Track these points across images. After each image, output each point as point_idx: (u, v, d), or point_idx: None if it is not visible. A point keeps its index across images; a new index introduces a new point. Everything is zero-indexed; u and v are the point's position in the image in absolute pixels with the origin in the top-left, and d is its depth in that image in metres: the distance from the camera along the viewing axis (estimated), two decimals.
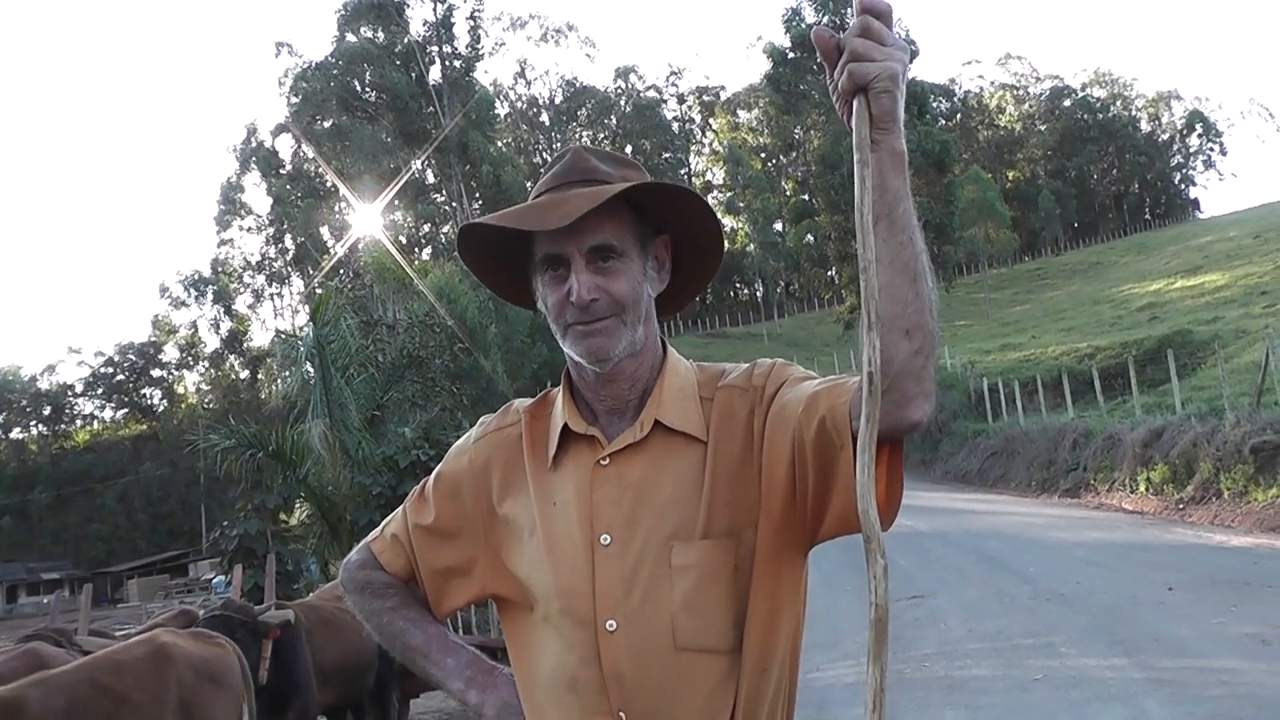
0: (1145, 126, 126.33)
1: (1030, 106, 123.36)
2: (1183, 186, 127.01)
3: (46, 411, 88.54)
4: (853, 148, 1.45)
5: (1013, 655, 9.40)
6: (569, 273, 1.78)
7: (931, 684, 8.75)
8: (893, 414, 1.47)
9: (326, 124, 78.86)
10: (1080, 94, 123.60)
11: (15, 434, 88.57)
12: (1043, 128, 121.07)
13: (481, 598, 1.98)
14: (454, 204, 76.60)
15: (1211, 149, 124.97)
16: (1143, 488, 21.19)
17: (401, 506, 2.06)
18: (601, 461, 1.81)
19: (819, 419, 1.61)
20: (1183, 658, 8.45)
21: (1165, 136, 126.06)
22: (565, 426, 1.86)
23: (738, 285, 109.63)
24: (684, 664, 1.72)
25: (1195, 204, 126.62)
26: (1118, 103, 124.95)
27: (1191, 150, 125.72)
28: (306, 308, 72.71)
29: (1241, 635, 8.91)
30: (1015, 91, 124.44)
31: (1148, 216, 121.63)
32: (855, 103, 1.44)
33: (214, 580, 34.61)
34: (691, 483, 1.77)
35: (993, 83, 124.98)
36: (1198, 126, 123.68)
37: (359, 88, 79.00)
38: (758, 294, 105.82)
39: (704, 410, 1.82)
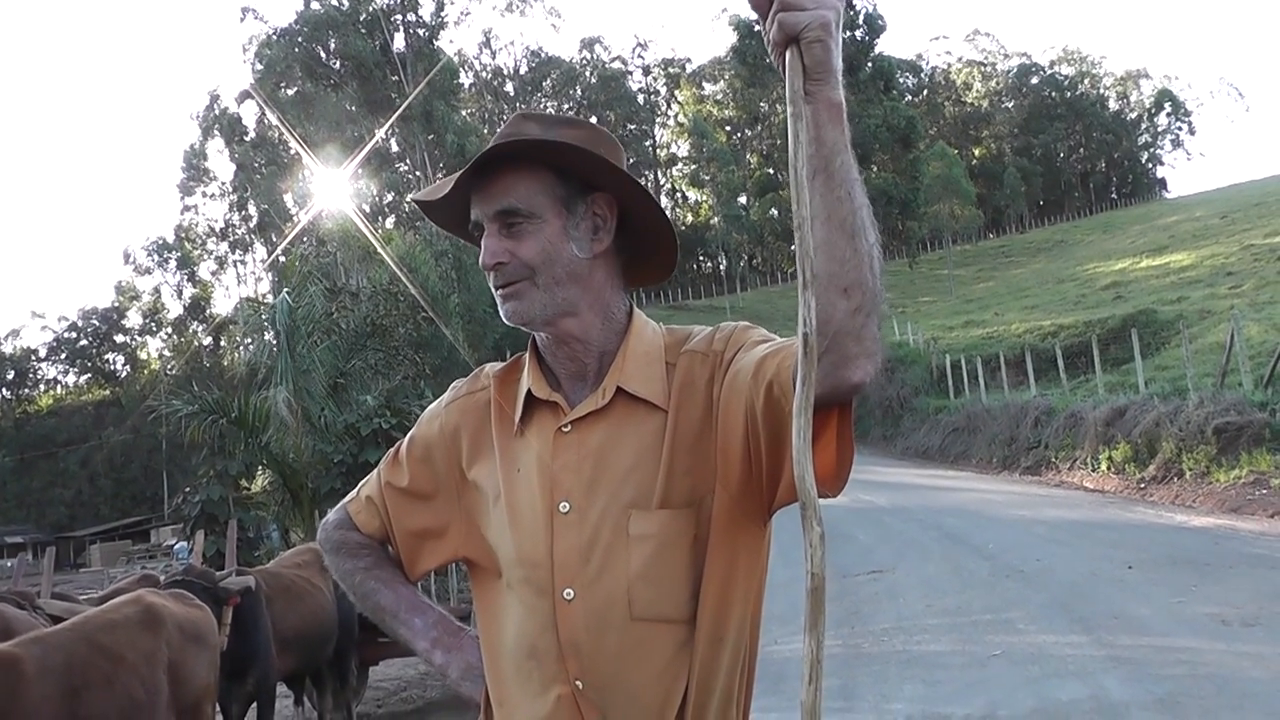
0: (1113, 105, 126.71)
1: (997, 83, 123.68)
2: (1150, 166, 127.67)
3: (10, 376, 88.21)
4: (786, 100, 1.40)
5: (971, 631, 9.42)
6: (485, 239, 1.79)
7: (890, 658, 8.76)
8: (832, 375, 1.44)
9: (290, 91, 78.57)
10: (1048, 71, 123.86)
11: None
12: (1009, 105, 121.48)
13: (454, 560, 1.97)
14: (418, 173, 76.39)
15: (1180, 128, 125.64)
16: (1104, 466, 21.32)
17: (377, 469, 2.06)
18: (563, 428, 1.80)
19: (767, 384, 1.58)
20: (1142, 636, 8.47)
21: (1133, 115, 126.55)
22: (530, 393, 1.84)
23: (701, 258, 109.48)
24: (640, 634, 1.71)
25: (1162, 183, 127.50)
26: (1086, 80, 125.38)
27: (1159, 129, 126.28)
28: (270, 275, 72.53)
29: (1201, 615, 8.93)
30: (982, 68, 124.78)
31: (1114, 195, 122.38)
32: (788, 54, 1.40)
33: (176, 546, 34.49)
34: (651, 451, 1.75)
35: (960, 59, 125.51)
36: (1166, 105, 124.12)
37: (323, 55, 78.76)
38: (721, 267, 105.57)
39: (668, 377, 1.80)
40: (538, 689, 1.74)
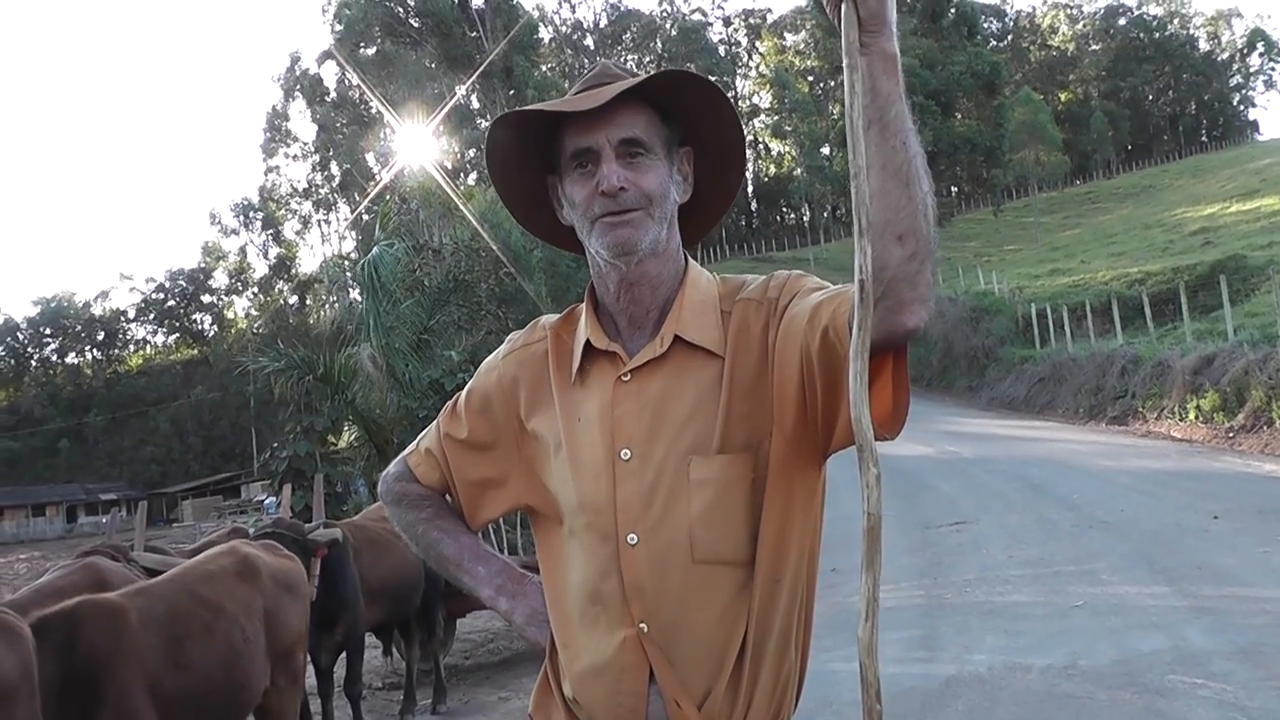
0: (1204, 45, 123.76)
1: (1084, 25, 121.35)
2: (1241, 107, 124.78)
3: (100, 337, 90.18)
4: (842, 52, 1.44)
5: (1054, 582, 9.37)
6: (598, 166, 1.81)
7: (972, 609, 8.74)
8: (887, 321, 1.48)
9: (370, 51, 78.94)
10: (1136, 12, 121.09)
11: (70, 359, 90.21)
12: (1096, 47, 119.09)
13: (515, 508, 2.01)
14: None
15: (1273, 68, 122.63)
16: (1192, 415, 20.95)
17: (435, 422, 2.11)
18: (623, 377, 1.84)
19: (822, 329, 1.62)
20: (1226, 586, 8.39)
21: (1224, 56, 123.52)
22: (588, 343, 1.88)
23: (784, 210, 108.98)
24: (701, 576, 1.76)
25: (1254, 126, 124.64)
26: (1175, 21, 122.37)
27: (1251, 70, 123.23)
28: (354, 233, 73.08)
29: None
30: (1068, 10, 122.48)
31: (1204, 138, 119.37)
32: (843, 7, 1.44)
33: (266, 501, 35.16)
34: (710, 398, 1.79)
35: (1045, 1, 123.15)
36: (1259, 45, 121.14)
37: (402, 13, 78.79)
38: (804, 218, 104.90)
39: (723, 324, 1.83)
40: (603, 632, 1.80)
